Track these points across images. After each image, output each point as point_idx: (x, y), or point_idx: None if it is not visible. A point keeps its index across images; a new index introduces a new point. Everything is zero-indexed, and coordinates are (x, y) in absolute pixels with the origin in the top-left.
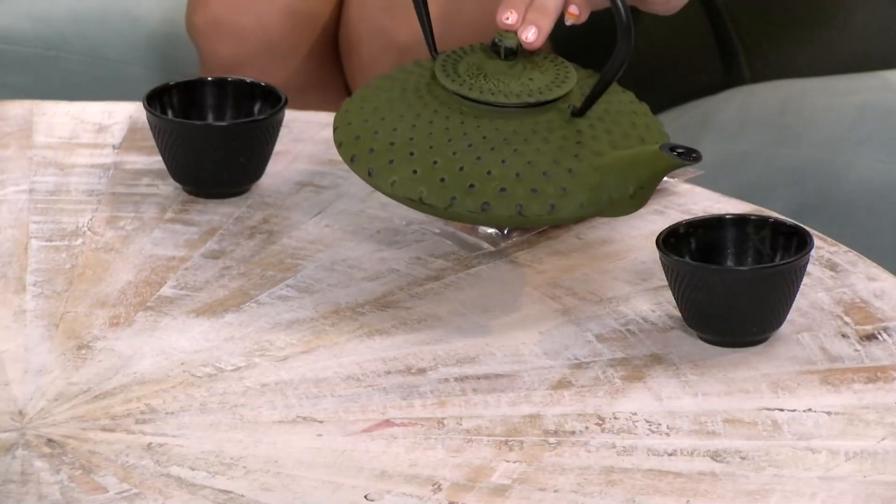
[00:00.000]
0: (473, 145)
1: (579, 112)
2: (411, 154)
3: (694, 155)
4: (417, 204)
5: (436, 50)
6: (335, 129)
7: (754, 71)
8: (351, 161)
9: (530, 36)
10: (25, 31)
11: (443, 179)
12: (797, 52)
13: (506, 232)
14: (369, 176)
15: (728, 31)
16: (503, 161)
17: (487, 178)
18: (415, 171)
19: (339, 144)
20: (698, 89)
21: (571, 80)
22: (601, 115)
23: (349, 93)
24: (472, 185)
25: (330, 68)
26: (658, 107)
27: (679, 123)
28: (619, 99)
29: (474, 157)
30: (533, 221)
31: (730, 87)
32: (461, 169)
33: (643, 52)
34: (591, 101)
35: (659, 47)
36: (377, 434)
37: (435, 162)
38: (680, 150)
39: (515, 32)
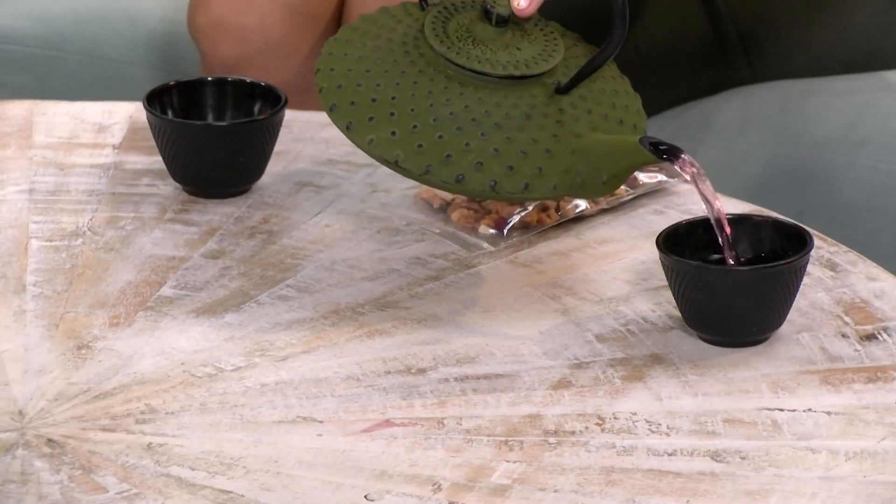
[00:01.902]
0: (455, 114)
1: (564, 90)
2: (392, 114)
3: (677, 155)
4: (393, 166)
5: (426, 1)
6: (317, 72)
7: (754, 71)
8: (330, 110)
9: (522, 3)
10: (25, 31)
11: (420, 146)
12: (797, 52)
13: (506, 232)
14: (347, 130)
15: (728, 31)
16: (482, 134)
17: (465, 151)
18: (393, 133)
19: (320, 90)
20: (698, 89)
21: (559, 53)
22: (583, 93)
23: None
24: (448, 156)
25: None
26: (658, 107)
27: (679, 123)
28: (602, 74)
29: (454, 126)
30: (503, 198)
31: (730, 87)
32: (440, 137)
33: (643, 51)
34: (576, 81)
35: (659, 47)
36: (377, 434)
37: (415, 126)
38: (663, 147)
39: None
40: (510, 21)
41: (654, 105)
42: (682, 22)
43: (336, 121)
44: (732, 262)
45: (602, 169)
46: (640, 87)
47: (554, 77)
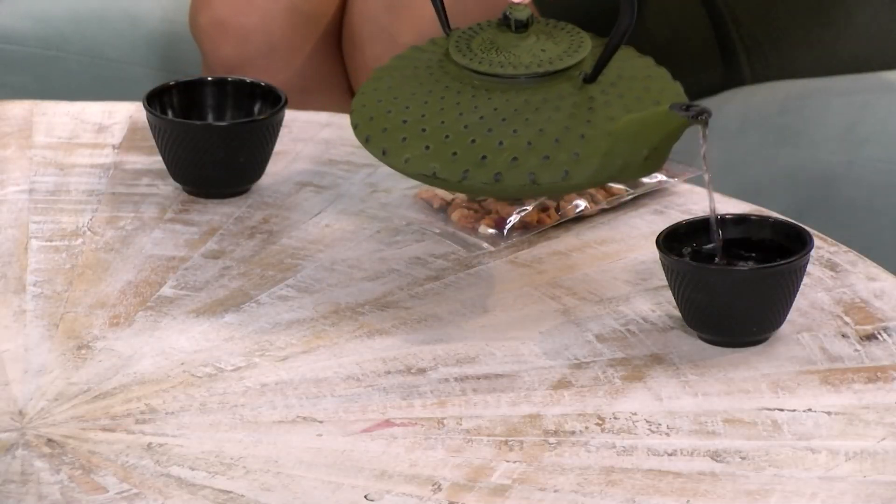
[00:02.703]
0: (485, 118)
1: (590, 78)
2: (423, 130)
3: (704, 115)
4: (431, 179)
5: (449, 27)
6: (352, 112)
7: (754, 71)
8: (366, 142)
9: None
10: (25, 31)
11: (455, 153)
12: (797, 52)
13: (506, 232)
14: (383, 155)
15: (728, 31)
16: (514, 131)
17: (499, 149)
18: (427, 147)
19: (355, 126)
20: (698, 89)
21: (584, 48)
22: (614, 80)
23: (352, 93)
24: (484, 157)
25: (333, 68)
26: None
27: None
28: (634, 64)
29: (485, 129)
30: (548, 189)
31: (730, 87)
32: (473, 142)
33: (643, 51)
34: (600, 66)
35: (659, 47)
36: (377, 434)
37: (447, 136)
38: (693, 108)
39: (525, 4)
40: (530, 25)
41: None
42: (682, 22)
43: (371, 150)
44: (720, 242)
45: (640, 144)
46: None
47: (581, 70)
